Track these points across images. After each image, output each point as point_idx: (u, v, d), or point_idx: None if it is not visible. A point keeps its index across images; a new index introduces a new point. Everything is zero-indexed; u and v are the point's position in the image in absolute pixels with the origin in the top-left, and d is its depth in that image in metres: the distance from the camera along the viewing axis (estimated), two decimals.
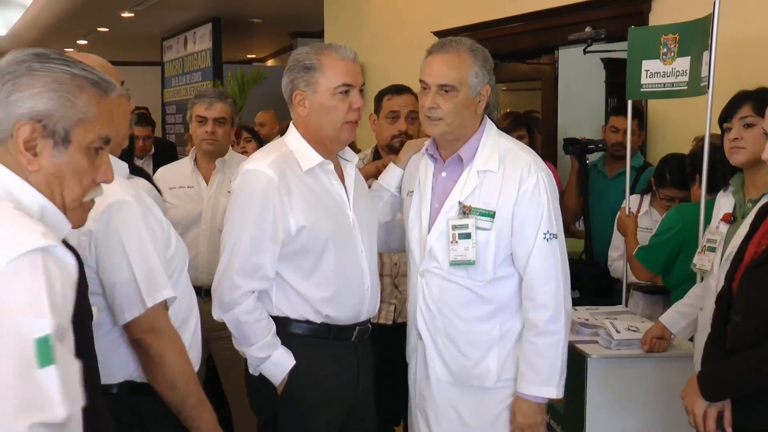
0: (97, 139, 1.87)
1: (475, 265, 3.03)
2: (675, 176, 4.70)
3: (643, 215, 4.97)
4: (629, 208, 4.88)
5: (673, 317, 3.71)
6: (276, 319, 3.02)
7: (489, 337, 3.09)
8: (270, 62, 20.37)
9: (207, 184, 4.57)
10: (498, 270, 3.07)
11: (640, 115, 5.75)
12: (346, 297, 3.07)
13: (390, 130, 4.20)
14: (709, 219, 3.70)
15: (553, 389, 3.05)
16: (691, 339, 3.67)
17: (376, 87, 4.04)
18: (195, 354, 2.75)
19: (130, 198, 2.47)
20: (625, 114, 5.09)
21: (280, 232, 2.93)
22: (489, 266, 3.06)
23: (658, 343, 3.67)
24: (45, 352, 1.55)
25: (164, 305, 2.49)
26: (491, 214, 3.03)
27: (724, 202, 3.54)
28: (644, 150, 5.93)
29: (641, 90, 4.66)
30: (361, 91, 3.10)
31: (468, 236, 3.03)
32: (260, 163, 2.94)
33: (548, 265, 3.05)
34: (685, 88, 4.35)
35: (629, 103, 4.94)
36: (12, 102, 1.77)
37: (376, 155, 4.32)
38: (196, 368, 2.83)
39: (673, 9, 5.51)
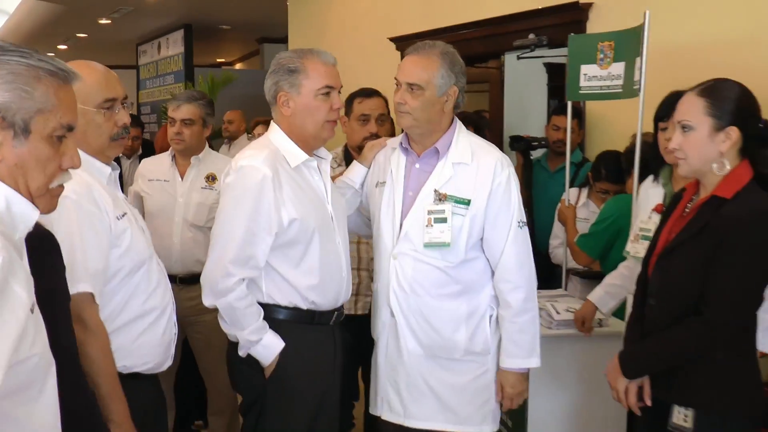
0: (59, 127, 1.79)
1: (450, 247, 3.07)
2: (610, 171, 4.74)
3: (581, 206, 5.00)
4: (569, 200, 4.91)
5: (603, 298, 3.76)
6: (265, 306, 3.01)
7: (458, 313, 3.12)
8: (238, 66, 20.32)
9: (182, 179, 4.52)
10: (468, 252, 3.11)
11: (579, 115, 5.79)
12: (329, 284, 3.08)
13: (361, 132, 4.19)
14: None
15: (535, 359, 3.16)
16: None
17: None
18: (148, 354, 2.77)
19: (74, 195, 2.46)
20: (565, 114, 5.14)
21: (274, 225, 2.92)
22: (461, 249, 3.10)
23: (587, 324, 3.73)
24: None
25: (90, 298, 2.49)
26: (466, 202, 3.08)
27: (653, 193, 3.57)
28: (583, 147, 5.95)
29: (580, 92, 4.69)
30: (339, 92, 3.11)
31: (444, 220, 3.07)
32: (254, 160, 2.92)
33: (522, 250, 3.14)
34: (620, 90, 4.37)
35: (569, 104, 4.98)
36: None
37: (347, 154, 4.30)
38: (172, 351, 2.91)
39: (609, 18, 5.54)
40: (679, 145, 2.67)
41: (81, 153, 2.50)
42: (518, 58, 6.46)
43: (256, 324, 2.95)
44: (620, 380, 2.83)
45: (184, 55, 15.05)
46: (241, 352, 3.02)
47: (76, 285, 2.41)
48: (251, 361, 3.02)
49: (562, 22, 5.97)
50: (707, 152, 2.63)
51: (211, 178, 4.71)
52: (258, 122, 5.83)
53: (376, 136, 4.07)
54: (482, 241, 3.15)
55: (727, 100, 2.63)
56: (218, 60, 20.69)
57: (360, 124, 4.23)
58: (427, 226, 3.08)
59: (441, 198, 3.09)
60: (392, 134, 4.32)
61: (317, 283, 3.04)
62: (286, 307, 3.02)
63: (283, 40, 11.16)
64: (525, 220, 3.18)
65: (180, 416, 4.83)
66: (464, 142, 3.18)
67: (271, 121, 3.11)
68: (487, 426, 3.20)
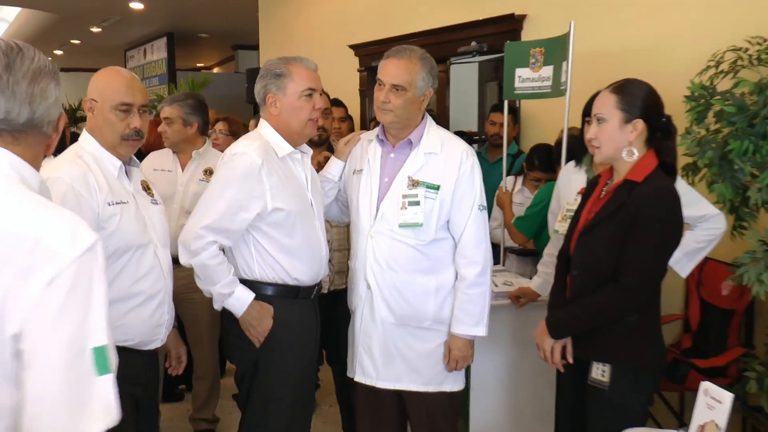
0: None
1: (422, 227, 3.10)
2: (542, 161, 4.81)
3: (517, 192, 5.05)
4: (506, 187, 4.98)
5: (542, 285, 3.77)
6: (254, 282, 3.05)
7: (428, 287, 3.15)
8: (215, 69, 20.19)
9: (182, 170, 4.57)
10: (437, 232, 3.14)
11: (514, 112, 5.85)
12: (311, 263, 3.11)
13: None
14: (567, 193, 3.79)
15: (482, 329, 3.18)
16: None
17: None
18: (135, 330, 2.77)
19: (68, 178, 2.57)
20: (502, 111, 5.20)
21: (254, 208, 2.95)
22: (432, 228, 3.13)
23: (522, 299, 3.80)
24: (102, 361, 1.42)
25: None
26: (436, 187, 3.11)
27: (576, 178, 3.63)
28: (518, 140, 6.01)
29: (515, 92, 4.75)
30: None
31: (417, 203, 3.11)
32: (248, 148, 2.96)
33: (480, 231, 3.18)
34: (549, 90, 4.44)
35: (506, 102, 5.04)
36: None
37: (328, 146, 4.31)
38: (161, 334, 2.92)
39: (540, 28, 5.63)
40: (595, 135, 2.75)
41: (95, 145, 2.75)
42: (449, 63, 6.55)
43: (227, 279, 2.98)
44: (546, 341, 2.90)
45: (167, 60, 15.07)
46: (216, 306, 3.06)
47: None
48: (244, 335, 3.04)
49: (500, 32, 6.04)
50: (618, 141, 2.71)
51: (209, 172, 4.74)
52: (218, 119, 5.76)
53: (322, 128, 4.11)
54: (448, 222, 3.18)
55: (635, 96, 2.72)
56: (198, 64, 20.53)
57: None
58: (401, 208, 3.10)
59: (414, 184, 3.12)
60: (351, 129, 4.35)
61: (302, 262, 3.08)
62: (274, 284, 3.05)
63: (255, 47, 11.11)
64: (485, 204, 3.23)
65: (167, 381, 4.87)
66: (434, 134, 3.22)
67: (261, 118, 3.13)
68: (448, 385, 3.24)
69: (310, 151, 3.28)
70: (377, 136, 3.25)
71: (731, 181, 3.65)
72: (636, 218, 2.64)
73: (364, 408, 3.37)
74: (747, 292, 3.94)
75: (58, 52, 18.70)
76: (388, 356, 3.20)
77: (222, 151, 5.50)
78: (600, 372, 2.74)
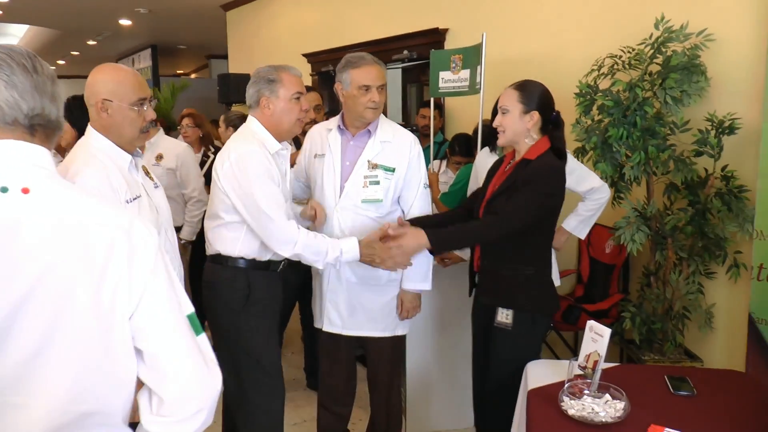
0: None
1: (382, 203, 3.10)
2: (462, 148, 4.82)
3: (442, 174, 5.05)
4: (433, 169, 5.00)
5: (465, 250, 3.80)
6: (231, 258, 2.90)
7: None
8: (192, 75, 19.84)
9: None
10: (391, 206, 3.15)
11: (440, 107, 5.88)
12: None
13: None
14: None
15: (428, 284, 3.21)
16: None
17: None
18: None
19: (93, 180, 2.32)
20: (429, 106, 5.22)
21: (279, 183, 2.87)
22: (388, 203, 3.13)
23: (447, 261, 3.79)
24: (196, 324, 1.45)
25: None
26: (392, 169, 3.12)
27: (491, 161, 3.64)
28: (443, 130, 6.02)
29: (439, 90, 4.77)
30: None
31: (377, 183, 3.10)
32: (251, 146, 2.82)
33: (425, 204, 3.20)
34: (467, 89, 4.46)
35: (432, 99, 5.05)
36: None
37: (295, 139, 4.25)
38: None
39: (459, 38, 5.65)
40: (500, 123, 2.79)
41: (108, 143, 2.45)
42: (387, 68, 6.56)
43: (328, 244, 2.84)
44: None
45: (152, 68, 14.86)
46: (338, 267, 3.03)
47: None
48: (228, 297, 2.91)
49: (427, 42, 6.05)
50: (518, 128, 2.76)
51: (159, 157, 4.69)
52: (183, 116, 5.65)
53: (314, 121, 4.05)
54: (399, 198, 3.19)
55: (533, 93, 2.77)
56: (178, 71, 20.15)
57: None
58: (363, 187, 3.09)
59: (373, 166, 3.11)
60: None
61: None
62: (250, 259, 2.90)
63: (225, 56, 10.96)
64: (428, 183, 3.24)
65: None
66: (386, 125, 3.22)
67: (249, 116, 2.97)
68: (399, 330, 3.28)
69: (290, 148, 3.17)
70: (338, 126, 3.21)
71: (611, 161, 3.73)
72: (524, 184, 2.69)
73: (324, 351, 3.37)
74: (624, 249, 4.03)
75: (61, 62, 18.32)
76: (351, 309, 3.20)
77: (191, 142, 5.50)
78: (504, 316, 2.77)
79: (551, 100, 2.82)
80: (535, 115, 2.75)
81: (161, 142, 4.68)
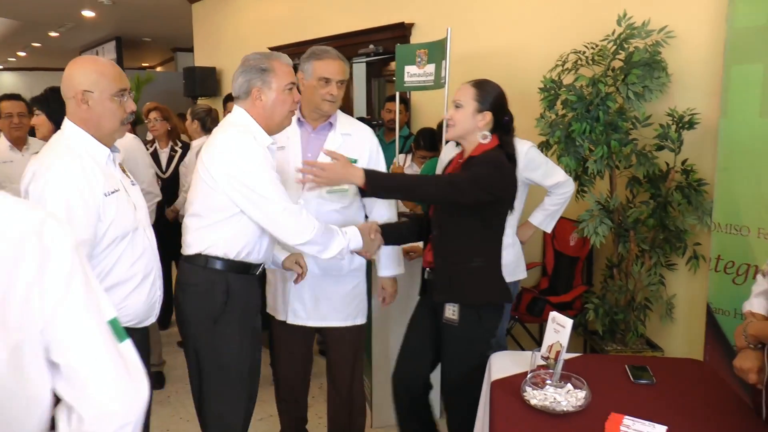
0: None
1: (347, 192, 3.11)
2: (427, 142, 4.85)
3: (407, 167, 5.08)
4: (399, 163, 5.02)
5: None
6: (210, 257, 2.67)
7: None
8: (158, 69, 19.64)
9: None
10: (354, 197, 3.16)
11: (405, 101, 5.89)
12: (269, 245, 2.82)
13: None
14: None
15: (402, 268, 3.29)
16: None
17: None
18: (134, 312, 2.47)
19: (67, 174, 2.23)
20: (395, 101, 5.23)
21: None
22: (352, 194, 3.13)
23: (412, 254, 3.77)
24: (119, 330, 1.30)
25: None
26: (354, 161, 3.07)
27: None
28: (409, 124, 6.03)
29: (405, 85, 4.78)
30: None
31: None
32: (245, 137, 2.61)
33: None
34: (432, 83, 4.48)
35: (397, 93, 5.07)
36: None
37: None
38: (156, 309, 2.60)
39: (424, 33, 5.67)
40: (452, 116, 2.78)
41: (85, 135, 2.37)
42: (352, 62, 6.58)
43: (335, 234, 2.72)
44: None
45: (116, 61, 14.43)
46: (345, 254, 2.81)
47: None
48: (207, 298, 2.69)
49: (393, 36, 6.06)
50: (469, 125, 2.75)
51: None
52: (150, 109, 5.56)
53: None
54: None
55: (489, 93, 2.76)
56: (143, 64, 19.91)
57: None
58: None
59: (336, 158, 3.13)
60: None
61: (266, 243, 2.78)
62: (230, 260, 2.67)
63: (191, 49, 10.87)
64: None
65: None
66: (344, 119, 3.24)
67: (236, 107, 2.77)
68: (359, 319, 3.30)
69: (297, 139, 3.15)
70: (297, 118, 3.20)
71: (574, 155, 3.78)
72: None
73: (281, 344, 3.37)
74: (587, 242, 4.10)
75: (22, 54, 17.93)
76: (315, 300, 3.21)
77: (159, 136, 5.44)
78: (451, 311, 2.77)
79: (506, 102, 2.82)
80: (488, 116, 2.75)
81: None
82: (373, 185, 2.60)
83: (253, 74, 2.71)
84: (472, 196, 2.61)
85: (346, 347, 3.35)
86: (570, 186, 3.50)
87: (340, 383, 3.41)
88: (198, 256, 2.68)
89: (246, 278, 2.74)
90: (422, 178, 2.73)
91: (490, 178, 2.62)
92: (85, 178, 2.27)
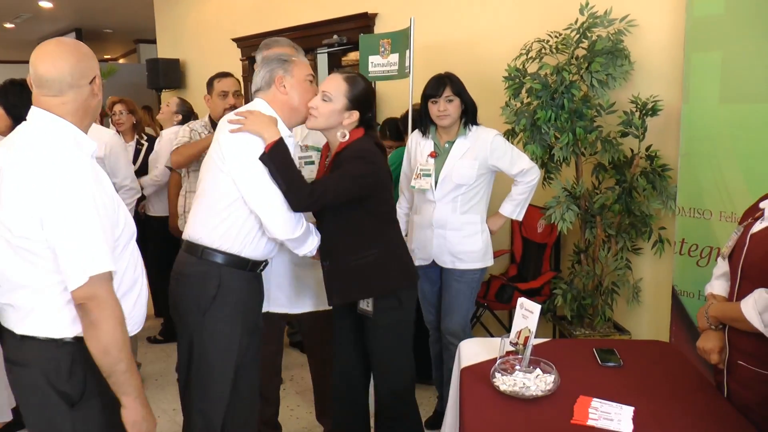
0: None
1: None
2: (392, 132, 4.82)
3: None
4: None
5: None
6: (210, 251, 2.62)
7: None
8: (121, 61, 19.35)
9: None
10: None
11: None
12: (266, 240, 2.71)
13: (222, 104, 4.05)
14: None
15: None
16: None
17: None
18: (138, 319, 2.23)
19: (86, 179, 1.96)
20: None
21: None
22: None
23: None
24: None
25: (108, 276, 1.95)
26: (319, 149, 3.17)
27: (425, 144, 3.66)
28: (374, 114, 6.03)
29: (369, 75, 4.76)
30: None
31: (312, 162, 3.19)
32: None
33: None
34: (396, 73, 4.47)
35: None
36: None
37: (213, 124, 4.11)
38: (138, 330, 2.27)
39: (388, 23, 5.67)
40: (317, 107, 2.72)
41: (75, 130, 2.04)
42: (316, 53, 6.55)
43: (310, 235, 2.72)
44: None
45: None
46: (314, 252, 2.78)
47: (102, 264, 1.93)
48: (189, 304, 2.65)
49: (356, 27, 6.04)
50: (334, 120, 2.72)
51: None
52: (114, 102, 5.49)
53: (234, 107, 3.95)
54: None
55: (360, 93, 2.74)
56: (105, 56, 19.59)
57: (220, 99, 4.09)
58: (300, 168, 3.02)
59: (304, 148, 3.19)
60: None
61: (254, 237, 2.67)
62: (229, 253, 2.62)
63: (153, 41, 10.72)
64: None
65: None
66: None
67: (258, 99, 2.72)
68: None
69: (296, 137, 3.12)
70: None
71: (540, 143, 3.83)
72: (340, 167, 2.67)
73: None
74: (555, 228, 4.16)
75: None
76: (296, 288, 3.25)
77: (124, 130, 5.38)
78: (365, 303, 2.79)
79: (372, 99, 2.84)
80: (355, 115, 2.73)
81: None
82: (270, 155, 2.53)
83: (275, 64, 2.70)
84: (335, 198, 2.61)
85: (323, 330, 3.37)
86: (535, 173, 3.53)
87: (321, 365, 3.48)
88: (195, 246, 2.64)
89: (242, 274, 2.67)
90: (297, 184, 2.56)
91: (348, 182, 2.62)
92: (98, 180, 2.03)
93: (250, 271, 2.70)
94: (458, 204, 3.48)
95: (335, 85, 2.73)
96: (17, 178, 1.94)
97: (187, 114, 5.48)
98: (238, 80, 4.26)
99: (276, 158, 2.53)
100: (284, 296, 3.27)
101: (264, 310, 3.25)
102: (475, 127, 3.49)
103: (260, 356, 2.85)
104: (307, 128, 2.84)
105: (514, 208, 3.59)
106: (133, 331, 2.18)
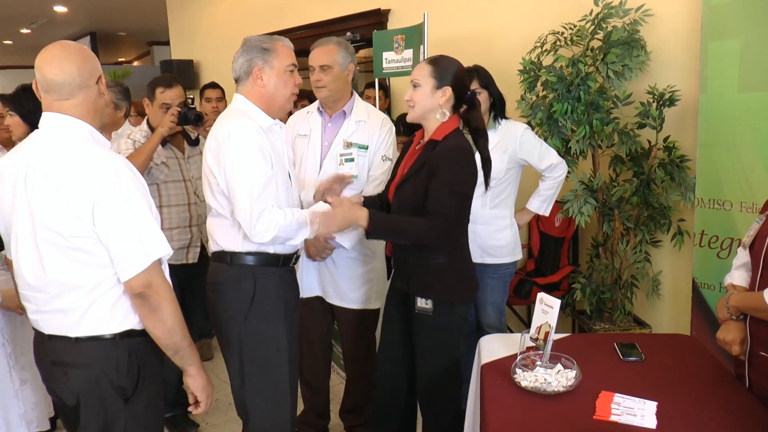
0: None
1: (357, 178, 3.20)
2: (406, 128, 4.82)
3: None
4: None
5: None
6: (239, 254, 2.62)
7: None
8: (135, 63, 19.46)
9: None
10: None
11: (385, 88, 5.89)
12: None
13: (161, 116, 3.68)
14: None
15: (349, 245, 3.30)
16: None
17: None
18: None
19: (129, 169, 2.02)
20: (374, 87, 5.24)
21: (271, 166, 2.57)
22: (364, 179, 3.25)
23: None
24: None
25: (159, 261, 2.05)
26: (366, 147, 3.23)
27: None
28: (389, 111, 6.01)
29: (383, 71, 4.78)
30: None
31: (352, 160, 3.22)
32: (242, 123, 2.53)
33: (381, 174, 3.27)
34: (410, 69, 4.47)
35: (376, 80, 5.07)
36: None
37: (152, 129, 3.73)
38: None
39: (401, 19, 5.66)
40: (411, 97, 2.72)
41: (92, 129, 2.08)
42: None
43: (298, 222, 2.59)
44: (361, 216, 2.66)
45: None
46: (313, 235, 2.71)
47: (158, 249, 2.03)
48: (234, 296, 2.64)
49: (370, 23, 6.04)
50: (428, 103, 2.69)
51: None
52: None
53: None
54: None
55: (446, 69, 2.69)
56: (119, 59, 19.71)
57: (161, 111, 3.70)
58: (339, 164, 3.20)
59: (348, 145, 3.21)
60: None
61: None
62: (258, 253, 2.62)
63: (167, 43, 10.76)
64: (388, 156, 3.30)
65: None
66: (361, 106, 3.32)
67: (235, 95, 2.69)
68: (372, 304, 3.44)
69: (284, 126, 3.04)
70: (318, 108, 3.34)
71: (558, 136, 3.80)
72: (436, 168, 2.63)
73: None
74: (572, 222, 4.13)
75: None
76: (327, 279, 3.37)
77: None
78: (424, 302, 2.75)
79: (465, 77, 2.78)
80: (448, 91, 2.69)
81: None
82: (375, 230, 2.66)
83: (255, 53, 2.64)
84: (456, 217, 2.64)
85: (353, 329, 3.46)
86: (563, 168, 3.50)
87: (349, 360, 3.59)
88: (222, 253, 2.66)
89: (276, 271, 2.67)
90: (408, 223, 2.65)
91: (454, 192, 2.62)
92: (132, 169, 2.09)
93: (283, 266, 2.69)
94: (488, 198, 3.45)
95: (419, 70, 2.74)
96: (55, 181, 1.96)
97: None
98: (184, 90, 3.88)
99: (382, 228, 2.67)
100: (318, 283, 3.37)
101: (313, 294, 3.39)
102: (504, 120, 3.48)
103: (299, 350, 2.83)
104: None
105: (541, 204, 3.58)
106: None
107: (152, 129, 3.71)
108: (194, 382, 2.22)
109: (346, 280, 3.34)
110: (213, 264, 2.71)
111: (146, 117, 3.85)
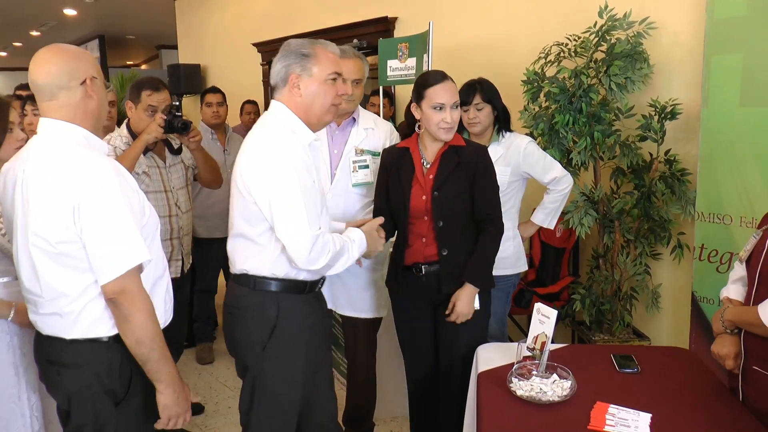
0: None
1: (372, 185, 3.18)
2: (407, 137, 4.85)
3: None
4: None
5: None
6: (262, 280, 2.41)
7: None
8: (143, 66, 19.55)
9: None
10: None
11: (389, 95, 5.91)
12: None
13: (147, 121, 3.44)
14: None
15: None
16: None
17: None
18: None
19: (116, 175, 1.98)
20: (379, 95, 5.26)
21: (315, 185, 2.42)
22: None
23: None
24: None
25: (137, 269, 1.98)
26: (378, 154, 3.19)
27: None
28: (394, 118, 6.05)
29: (387, 79, 4.80)
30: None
31: (366, 166, 3.20)
32: (288, 140, 2.33)
33: None
34: (413, 77, 4.50)
35: (381, 87, 5.09)
36: None
37: (134, 136, 3.46)
38: (168, 322, 2.22)
39: (407, 27, 5.69)
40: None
41: (83, 131, 2.05)
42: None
43: (344, 248, 2.47)
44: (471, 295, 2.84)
45: (100, 59, 14.52)
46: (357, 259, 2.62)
47: (135, 256, 1.96)
48: (256, 321, 2.42)
49: (376, 31, 6.08)
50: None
51: None
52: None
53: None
54: None
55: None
56: (128, 62, 19.80)
57: (147, 114, 3.46)
58: (353, 171, 3.18)
59: (360, 152, 3.19)
60: None
61: None
62: (284, 279, 2.41)
63: (175, 46, 10.82)
64: None
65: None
66: (367, 115, 3.32)
67: (273, 102, 2.48)
68: (377, 312, 3.42)
69: (325, 140, 3.07)
70: None
71: (559, 147, 3.81)
72: (477, 171, 2.83)
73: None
74: (573, 233, 4.13)
75: (3, 54, 17.80)
76: (356, 292, 3.32)
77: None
78: (477, 304, 2.85)
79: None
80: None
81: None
82: (487, 285, 2.92)
83: (293, 59, 2.42)
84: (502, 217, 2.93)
85: (362, 338, 3.45)
86: (568, 181, 3.45)
87: (354, 369, 3.56)
88: (245, 276, 2.44)
89: (301, 298, 2.46)
90: (488, 245, 2.88)
91: (498, 196, 2.92)
92: (120, 173, 2.03)
93: (308, 293, 2.49)
94: None
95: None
96: (43, 188, 1.96)
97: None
98: (170, 95, 3.66)
99: (485, 273, 2.88)
100: (344, 299, 3.33)
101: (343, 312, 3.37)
102: (508, 133, 3.46)
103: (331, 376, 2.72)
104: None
105: (545, 217, 3.54)
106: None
107: (133, 135, 3.49)
108: (159, 398, 2.09)
109: (359, 290, 3.30)
110: (234, 286, 2.49)
111: (126, 121, 3.58)
